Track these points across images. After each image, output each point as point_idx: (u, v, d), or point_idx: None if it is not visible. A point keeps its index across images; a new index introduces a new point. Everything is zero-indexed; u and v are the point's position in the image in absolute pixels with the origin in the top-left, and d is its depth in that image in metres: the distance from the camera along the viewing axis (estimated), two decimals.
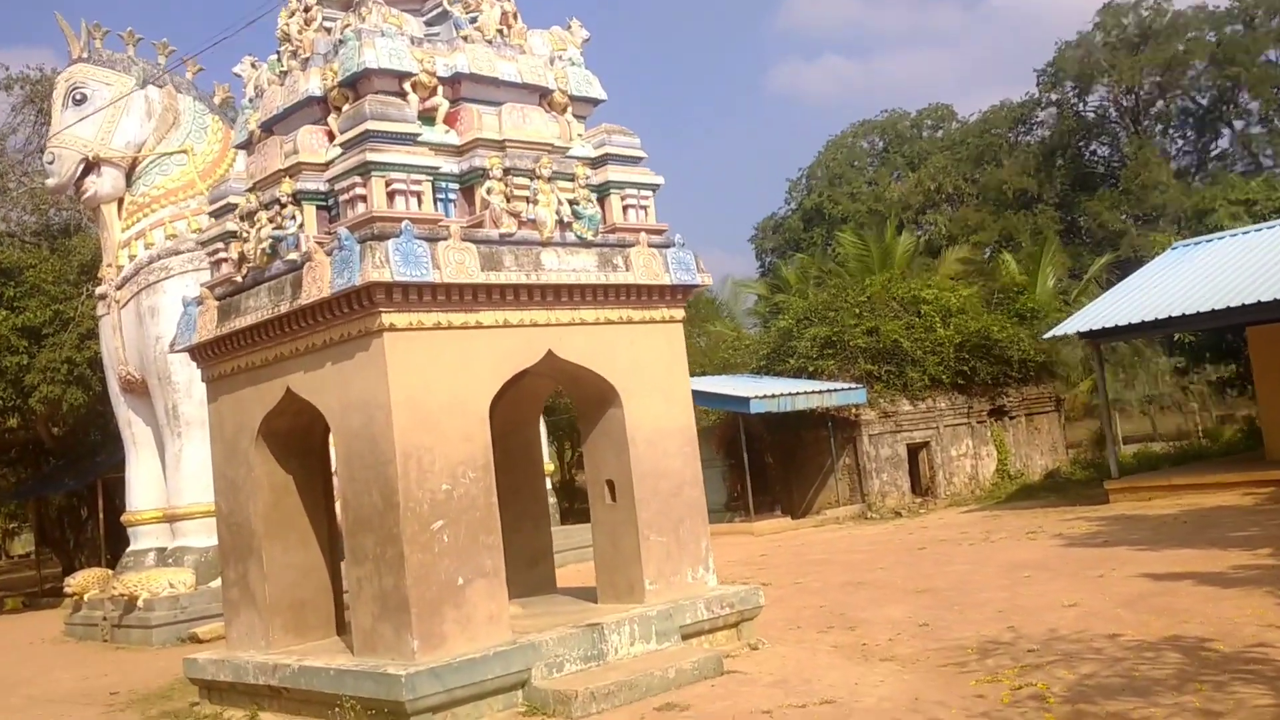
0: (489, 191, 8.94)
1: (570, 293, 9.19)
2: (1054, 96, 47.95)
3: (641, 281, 9.59)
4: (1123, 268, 38.36)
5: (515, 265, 8.86)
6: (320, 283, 8.39)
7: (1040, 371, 25.93)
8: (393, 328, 8.23)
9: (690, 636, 9.32)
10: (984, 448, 24.76)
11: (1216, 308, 17.67)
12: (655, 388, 9.79)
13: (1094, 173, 47.93)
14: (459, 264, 8.45)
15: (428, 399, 8.34)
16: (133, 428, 18.40)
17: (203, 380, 10.33)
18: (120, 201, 18.30)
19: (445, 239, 8.44)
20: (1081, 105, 47.48)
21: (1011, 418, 25.43)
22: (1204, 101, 46.23)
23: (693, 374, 29.45)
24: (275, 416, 9.50)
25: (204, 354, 9.99)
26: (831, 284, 27.69)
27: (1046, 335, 19.99)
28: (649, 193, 9.94)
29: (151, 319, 17.18)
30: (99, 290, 18.73)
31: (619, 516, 9.60)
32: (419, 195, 8.63)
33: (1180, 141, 46.87)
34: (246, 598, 9.74)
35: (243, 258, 9.43)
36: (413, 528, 8.11)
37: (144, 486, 18.09)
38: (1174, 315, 18.19)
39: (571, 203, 9.34)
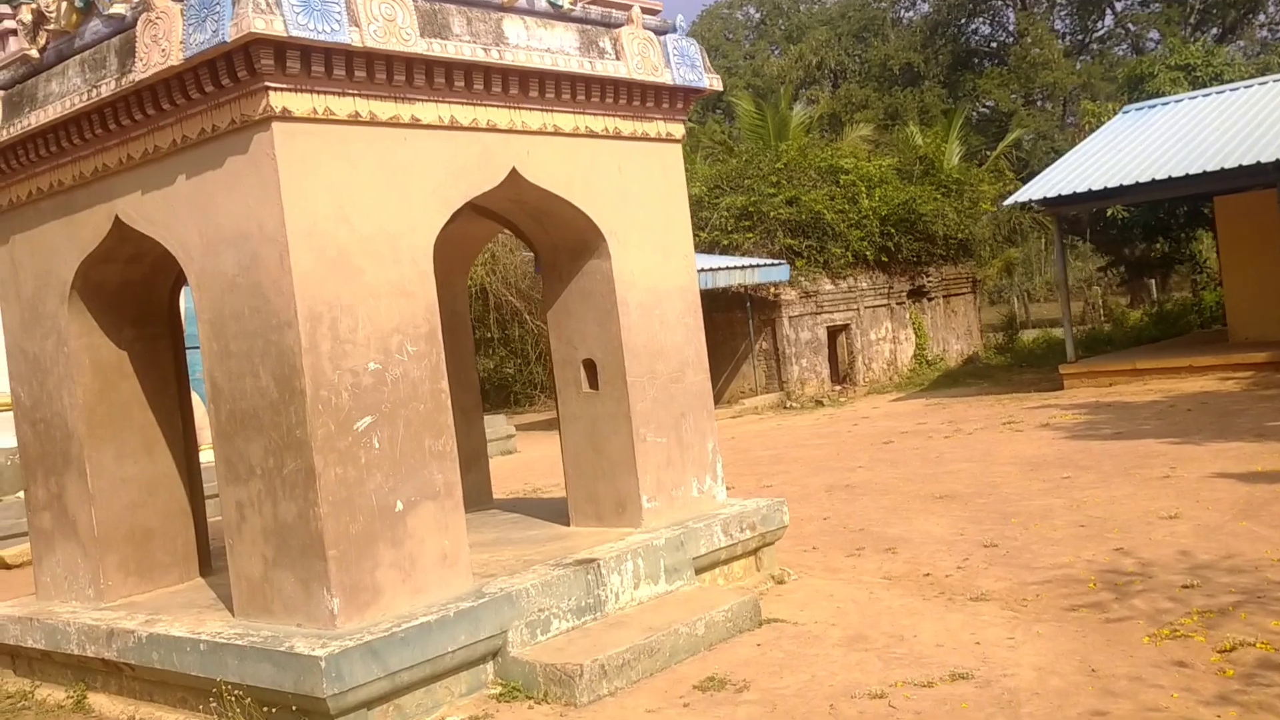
0: None
1: (542, 83, 6.31)
2: None
3: (635, 77, 6.76)
4: (1019, 146, 37.03)
5: (468, 33, 5.92)
6: (167, 44, 5.30)
7: (959, 250, 24.07)
8: (286, 115, 5.24)
9: (703, 570, 6.81)
10: (903, 331, 22.87)
11: (1191, 172, 15.83)
12: (649, 232, 7.05)
13: (978, 50, 46.37)
14: (387, 21, 5.46)
15: (343, 232, 5.42)
16: None
17: None
18: None
19: None
20: None
21: (930, 299, 23.57)
22: None
23: None
24: (98, 262, 6.42)
25: None
26: (740, 150, 25.04)
27: (1007, 202, 17.95)
28: None
29: None
30: None
31: (602, 409, 6.91)
32: None
33: (1066, 21, 45.55)
34: (64, 525, 6.74)
35: (40, 19, 6.18)
36: (326, 427, 5.26)
37: None
38: (1142, 181, 16.29)
39: None
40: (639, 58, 6.80)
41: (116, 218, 6.07)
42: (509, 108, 6.20)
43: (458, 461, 5.83)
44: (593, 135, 6.70)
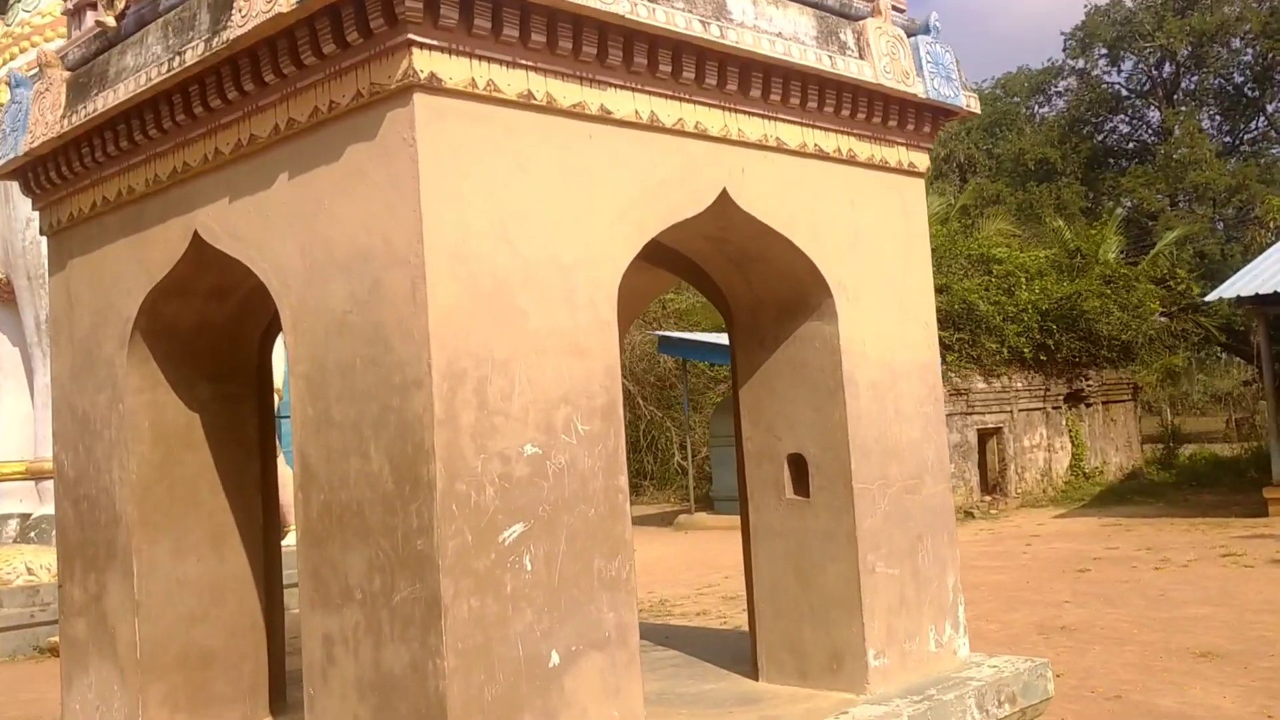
0: None
1: (767, 79, 4.67)
2: (1079, 64, 44.13)
3: (883, 83, 5.08)
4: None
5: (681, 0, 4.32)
6: None
7: (1120, 354, 21.83)
8: (435, 84, 3.66)
9: None
10: (1058, 439, 20.65)
11: None
12: (886, 288, 5.31)
13: (1118, 149, 44.26)
14: None
15: (502, 256, 3.79)
16: None
17: (42, 234, 5.66)
18: None
19: None
20: (1114, 73, 43.70)
21: (1089, 405, 21.33)
22: (1240, 79, 42.68)
23: (690, 327, 24.98)
24: (170, 295, 4.89)
25: (40, 176, 5.32)
26: None
27: (1210, 296, 15.86)
28: None
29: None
30: None
31: (815, 523, 5.11)
32: None
33: (1215, 120, 43.22)
34: (101, 638, 5.13)
35: None
36: (461, 537, 3.56)
37: (5, 429, 13.21)
38: None
39: None
40: (887, 58, 5.12)
41: (195, 234, 4.54)
42: (723, 108, 4.56)
43: (636, 593, 4.08)
44: (823, 156, 5.02)
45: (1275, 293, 14.35)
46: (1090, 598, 9.80)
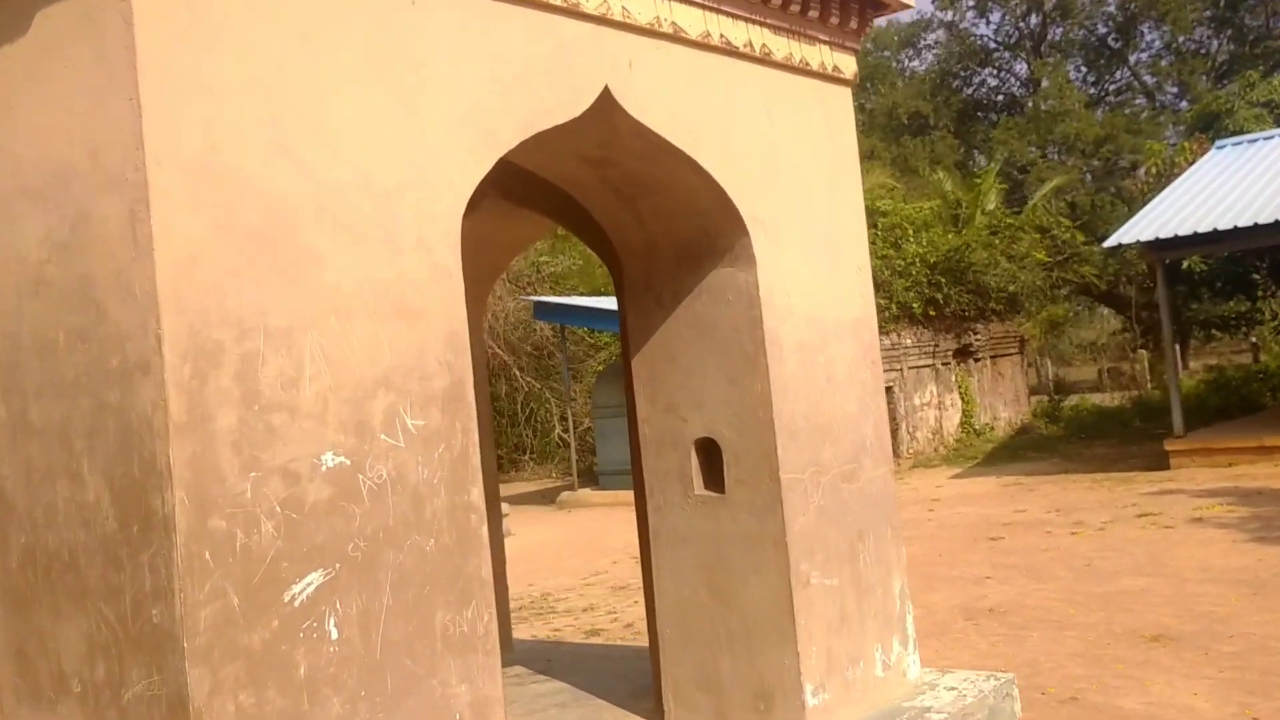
0: None
1: None
2: (947, 15, 44.04)
3: None
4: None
5: None
6: None
7: (1007, 306, 21.38)
8: None
9: None
10: (948, 395, 20.10)
11: None
12: (812, 223, 4.19)
13: (988, 101, 44.42)
14: None
15: (278, 174, 2.52)
16: None
17: None
18: None
19: None
20: (983, 24, 43.79)
21: (977, 360, 20.84)
22: (1103, 30, 43.14)
23: (567, 292, 23.75)
24: None
25: None
26: None
27: (1108, 242, 15.26)
28: None
29: None
30: None
31: (733, 525, 3.99)
32: None
33: (1081, 71, 43.63)
34: None
35: None
36: (221, 603, 2.32)
37: None
38: (1261, 223, 13.64)
39: None
40: None
41: None
42: None
43: (498, 653, 2.89)
44: (731, 51, 3.85)
45: (1174, 236, 13.86)
46: (1011, 571, 8.98)
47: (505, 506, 15.00)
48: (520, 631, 7.59)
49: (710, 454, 4.05)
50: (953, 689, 4.33)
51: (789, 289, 4.00)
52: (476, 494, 2.85)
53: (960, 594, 8.34)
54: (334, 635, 2.49)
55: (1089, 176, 40.14)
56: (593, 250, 4.62)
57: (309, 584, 2.45)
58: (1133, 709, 5.48)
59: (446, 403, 2.80)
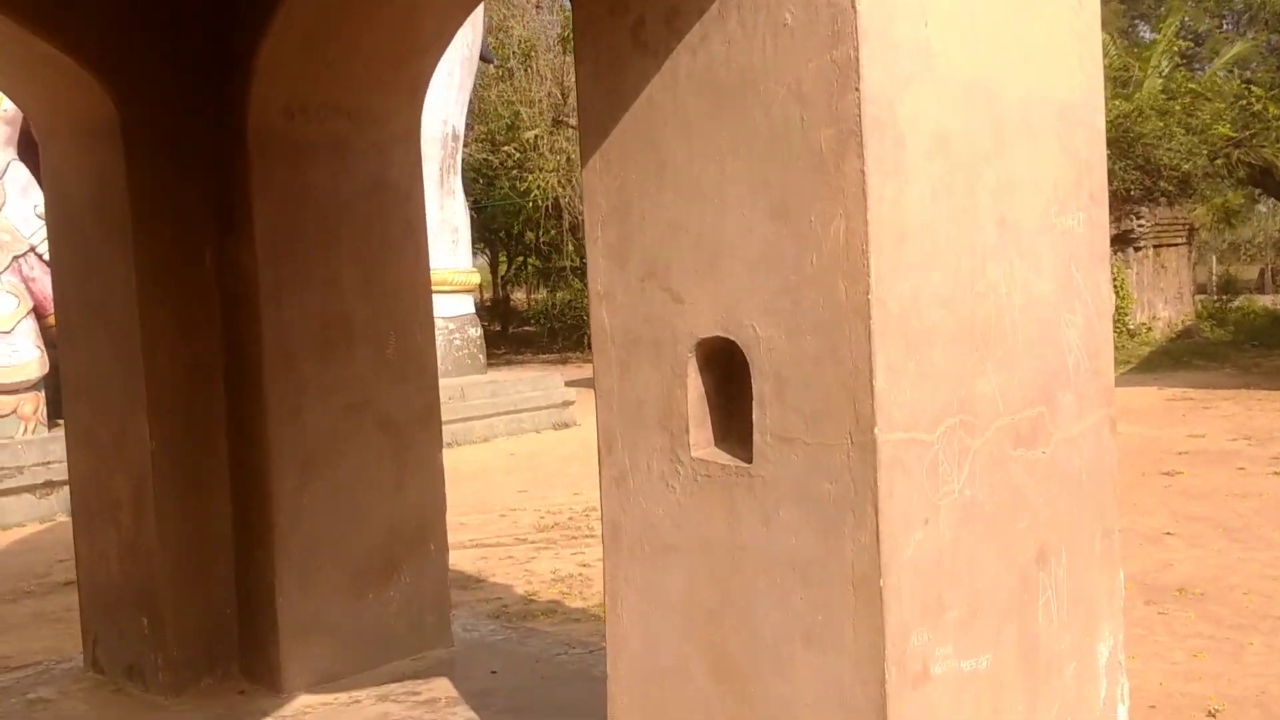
0: None
1: None
2: None
3: None
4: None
5: None
6: None
7: (1179, 187, 18.26)
8: None
9: None
10: None
11: None
12: None
13: None
14: None
15: None
16: None
17: None
18: None
19: None
20: None
21: (1137, 248, 17.93)
22: None
23: None
24: None
25: None
26: None
27: None
28: None
29: None
30: None
31: (765, 534, 1.82)
32: None
33: None
34: None
35: None
36: None
37: None
38: None
39: None
40: None
41: None
42: None
43: None
44: None
45: None
46: (1201, 525, 6.64)
47: (570, 392, 12.99)
48: (525, 572, 5.58)
49: (729, 373, 1.88)
50: None
51: (926, 10, 1.74)
52: None
53: (1134, 557, 6.02)
54: None
55: (1270, 53, 35.60)
56: None
57: None
58: None
59: None
